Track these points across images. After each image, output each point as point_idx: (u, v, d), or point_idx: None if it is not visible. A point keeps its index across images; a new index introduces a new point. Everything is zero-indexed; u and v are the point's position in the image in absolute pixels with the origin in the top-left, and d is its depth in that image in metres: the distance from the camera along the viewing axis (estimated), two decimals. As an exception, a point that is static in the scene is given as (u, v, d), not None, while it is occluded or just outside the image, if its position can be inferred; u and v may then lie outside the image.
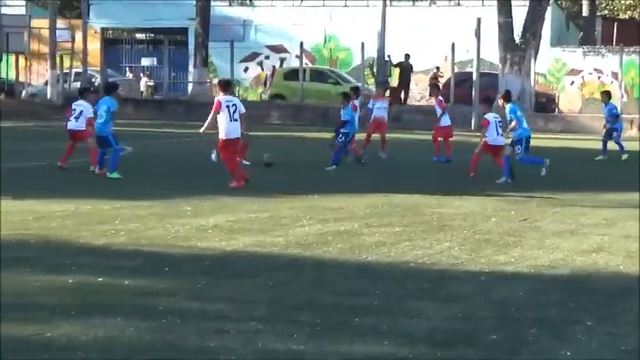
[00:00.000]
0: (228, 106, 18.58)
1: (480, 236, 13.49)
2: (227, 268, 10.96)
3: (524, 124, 21.50)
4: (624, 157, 27.44)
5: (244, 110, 19.28)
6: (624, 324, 8.78)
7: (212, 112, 18.86)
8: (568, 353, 7.73)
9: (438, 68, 50.50)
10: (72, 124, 21.85)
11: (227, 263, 11.28)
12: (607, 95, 29.50)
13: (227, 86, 19.74)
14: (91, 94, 23.22)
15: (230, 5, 57.51)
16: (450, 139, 26.67)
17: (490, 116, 21.03)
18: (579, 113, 47.97)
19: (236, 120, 18.69)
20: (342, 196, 17.67)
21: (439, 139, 26.59)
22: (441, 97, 29.10)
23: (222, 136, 18.69)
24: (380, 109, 26.88)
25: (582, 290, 10.20)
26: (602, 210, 16.68)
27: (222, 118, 18.54)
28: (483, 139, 21.08)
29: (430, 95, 47.82)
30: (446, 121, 26.91)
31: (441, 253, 12.07)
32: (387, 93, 39.66)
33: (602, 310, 9.22)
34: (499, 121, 21.26)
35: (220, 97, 19.11)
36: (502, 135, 21.10)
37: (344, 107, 23.94)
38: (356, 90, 27.98)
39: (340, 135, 23.33)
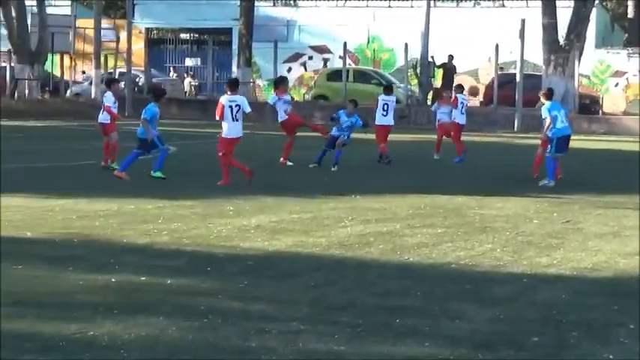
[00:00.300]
0: (231, 107, 19.08)
1: (522, 238, 13.45)
2: (269, 269, 10.97)
3: (559, 124, 20.93)
4: None
5: (249, 110, 19.85)
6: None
7: (216, 116, 19.47)
8: (611, 356, 7.68)
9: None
10: (100, 117, 22.23)
11: (269, 263, 11.30)
12: None
13: (234, 86, 20.14)
14: (115, 85, 23.60)
15: (274, 6, 57.63)
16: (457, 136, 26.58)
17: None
18: (623, 115, 47.57)
19: (237, 120, 19.17)
20: (384, 197, 17.67)
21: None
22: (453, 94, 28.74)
23: (223, 134, 19.27)
24: (443, 113, 26.74)
25: (625, 293, 10.14)
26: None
27: (225, 118, 19.10)
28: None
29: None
30: (459, 118, 26.61)
31: (482, 255, 12.05)
32: (431, 94, 39.61)
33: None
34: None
35: (223, 98, 19.57)
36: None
37: (349, 115, 23.79)
38: (388, 88, 27.65)
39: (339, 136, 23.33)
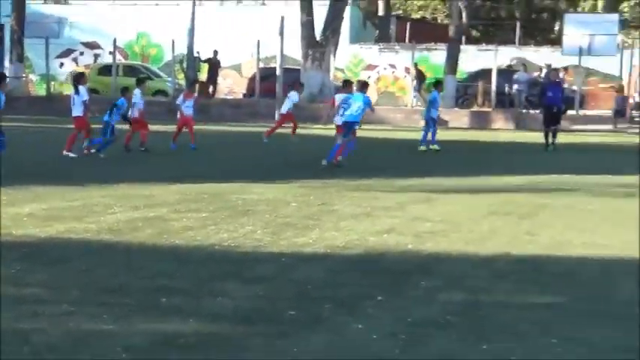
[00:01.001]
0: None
1: (281, 220, 13.60)
2: (42, 255, 10.77)
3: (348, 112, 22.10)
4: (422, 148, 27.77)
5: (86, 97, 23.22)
6: (411, 298, 9.01)
7: None
8: (360, 326, 7.88)
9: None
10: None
11: (42, 250, 11.09)
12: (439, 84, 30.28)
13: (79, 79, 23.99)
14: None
15: (45, 3, 56.52)
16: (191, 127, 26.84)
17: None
18: (375, 106, 48.58)
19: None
20: (154, 185, 17.60)
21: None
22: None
23: None
24: (188, 107, 26.76)
25: (374, 269, 10.40)
26: (394, 194, 17.02)
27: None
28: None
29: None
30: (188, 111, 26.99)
31: (244, 236, 12.14)
32: (197, 87, 39.80)
33: (392, 287, 9.42)
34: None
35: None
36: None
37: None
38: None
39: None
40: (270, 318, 8.13)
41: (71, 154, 22.94)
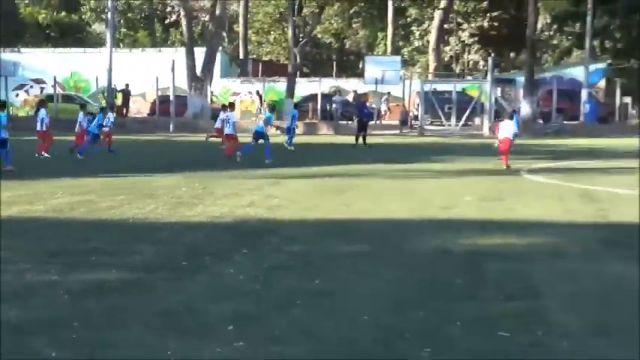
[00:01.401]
0: None
1: (175, 200, 13.44)
2: (5, 229, 10.39)
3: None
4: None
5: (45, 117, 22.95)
6: (266, 250, 9.05)
7: None
8: (231, 271, 7.90)
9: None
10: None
11: (4, 225, 10.69)
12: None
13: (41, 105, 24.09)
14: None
15: (4, 52, 54.60)
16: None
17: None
18: (239, 120, 48.60)
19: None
20: (86, 178, 17.14)
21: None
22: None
23: None
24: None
25: (240, 231, 10.39)
26: (254, 180, 16.98)
27: None
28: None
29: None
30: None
31: (149, 212, 11.97)
32: (116, 110, 39.65)
33: (252, 243, 9.43)
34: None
35: None
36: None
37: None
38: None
39: None
40: (169, 267, 8.08)
41: (45, 154, 22.92)
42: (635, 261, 8.50)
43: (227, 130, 23.75)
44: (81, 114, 25.35)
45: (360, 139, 30.05)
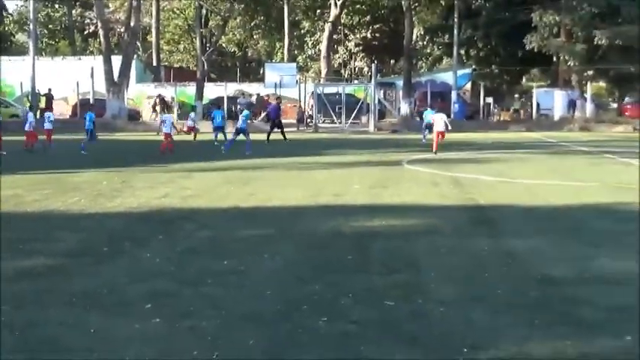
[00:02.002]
0: None
1: (96, 192, 13.09)
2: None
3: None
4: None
5: None
6: (179, 236, 8.89)
7: None
8: (148, 255, 7.73)
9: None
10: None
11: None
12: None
13: None
14: None
15: None
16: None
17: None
18: (154, 120, 47.69)
19: None
20: (14, 174, 16.50)
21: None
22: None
23: None
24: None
25: (157, 219, 10.21)
26: (168, 173, 16.70)
27: None
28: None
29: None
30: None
31: (73, 204, 11.62)
32: (40, 112, 38.27)
33: (167, 230, 9.26)
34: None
35: None
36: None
37: None
38: None
39: None
40: (92, 253, 7.86)
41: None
42: (499, 236, 8.77)
43: (165, 130, 23.94)
44: (30, 114, 25.02)
45: (281, 136, 30.43)
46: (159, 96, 48.88)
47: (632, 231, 9.14)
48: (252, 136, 25.25)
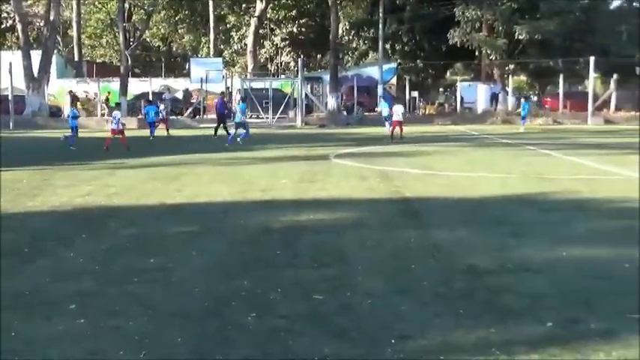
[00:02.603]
0: None
1: (16, 191, 12.73)
2: None
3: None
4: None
5: None
6: (103, 233, 8.72)
7: None
8: (72, 254, 7.56)
9: None
10: None
11: None
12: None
13: None
14: None
15: None
16: None
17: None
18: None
19: None
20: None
21: None
22: None
23: None
24: None
25: (81, 218, 10.00)
26: (91, 171, 16.38)
27: None
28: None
29: None
30: None
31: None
32: None
33: (91, 228, 9.08)
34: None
35: None
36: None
37: None
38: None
39: None
40: (13, 254, 7.64)
41: None
42: (425, 228, 8.91)
43: (112, 126, 23.93)
44: None
45: (221, 131, 30.53)
46: (70, 92, 47.69)
47: (552, 221, 9.43)
48: (182, 132, 24.98)
